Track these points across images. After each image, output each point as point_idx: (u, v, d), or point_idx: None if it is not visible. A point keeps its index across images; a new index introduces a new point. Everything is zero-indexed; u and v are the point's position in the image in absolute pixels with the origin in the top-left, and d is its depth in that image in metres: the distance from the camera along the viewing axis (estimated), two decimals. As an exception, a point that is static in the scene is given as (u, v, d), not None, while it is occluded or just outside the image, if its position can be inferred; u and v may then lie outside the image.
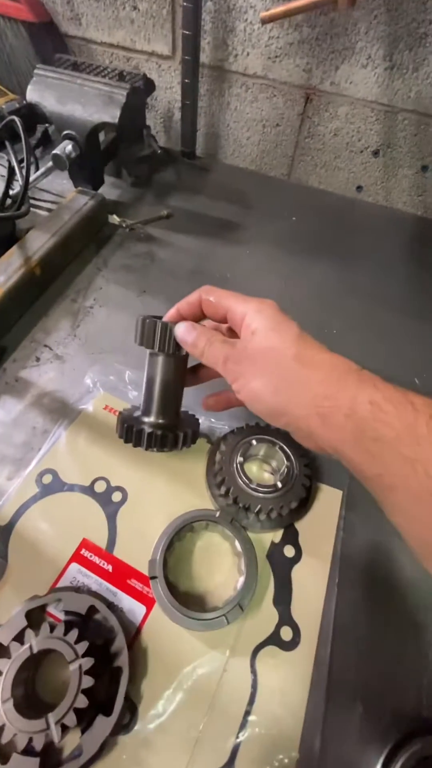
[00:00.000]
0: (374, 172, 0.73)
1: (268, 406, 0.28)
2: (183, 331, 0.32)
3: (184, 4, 0.58)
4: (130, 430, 0.34)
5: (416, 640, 0.34)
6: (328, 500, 0.39)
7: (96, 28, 0.71)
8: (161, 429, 0.34)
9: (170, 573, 0.33)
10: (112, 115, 0.53)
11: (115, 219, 0.62)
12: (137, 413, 0.37)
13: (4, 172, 0.59)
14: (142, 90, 0.60)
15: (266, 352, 0.28)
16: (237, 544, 0.35)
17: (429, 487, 0.21)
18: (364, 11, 0.57)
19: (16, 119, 0.55)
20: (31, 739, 0.25)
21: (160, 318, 0.35)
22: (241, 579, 0.33)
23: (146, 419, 0.35)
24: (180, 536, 0.35)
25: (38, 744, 0.25)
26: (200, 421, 0.44)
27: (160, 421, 0.35)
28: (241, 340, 0.30)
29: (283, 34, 0.62)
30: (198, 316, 0.34)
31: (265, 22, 0.50)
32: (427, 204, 0.73)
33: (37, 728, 0.25)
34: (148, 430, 0.34)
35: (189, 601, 0.32)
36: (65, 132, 0.55)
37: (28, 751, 0.26)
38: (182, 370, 0.36)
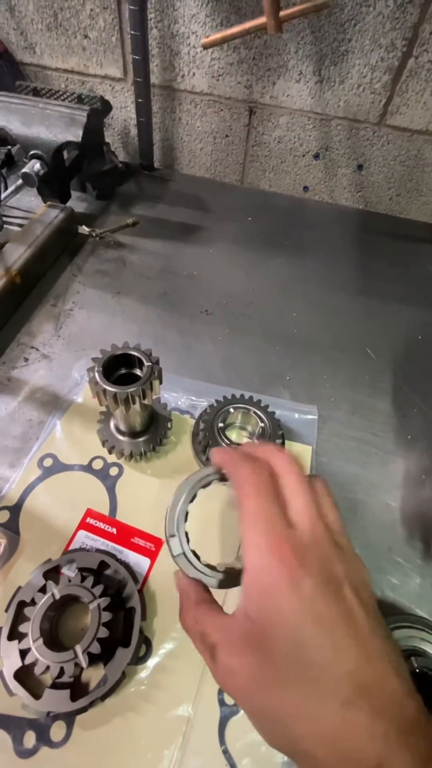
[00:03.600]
0: (317, 173, 0.81)
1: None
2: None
3: (132, 32, 0.65)
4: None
5: (383, 546, 0.40)
6: (301, 454, 0.45)
7: (50, 56, 0.76)
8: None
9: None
10: (75, 134, 0.58)
11: (84, 229, 0.67)
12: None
13: None
14: (100, 111, 0.66)
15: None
16: None
17: None
18: (292, 33, 0.65)
19: (-18, 143, 0.59)
20: (62, 670, 0.29)
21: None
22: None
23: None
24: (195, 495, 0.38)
25: (68, 674, 0.29)
26: (182, 401, 0.49)
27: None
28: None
29: (224, 55, 0.69)
30: None
31: (206, 47, 0.57)
32: (367, 198, 0.82)
33: (67, 658, 0.29)
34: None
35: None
36: (32, 152, 0.59)
37: (58, 685, 0.30)
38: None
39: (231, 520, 0.39)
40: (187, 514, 0.29)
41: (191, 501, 0.29)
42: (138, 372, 0.37)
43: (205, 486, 0.31)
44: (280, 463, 0.26)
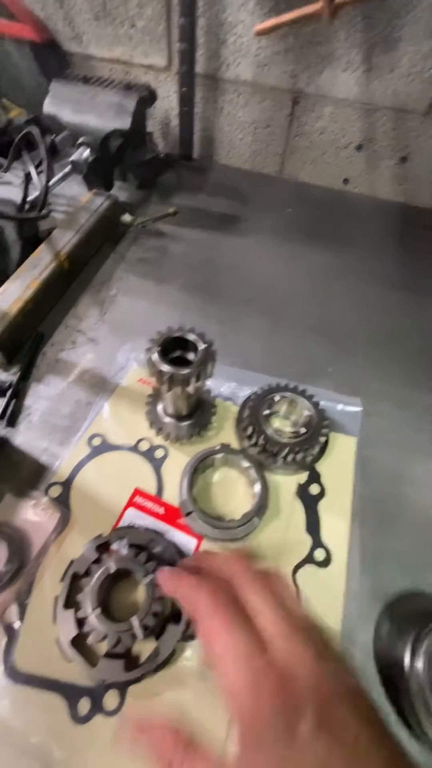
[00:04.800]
0: (358, 165, 0.80)
1: None
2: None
3: (181, 21, 0.65)
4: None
5: (428, 541, 0.39)
6: (344, 446, 0.45)
7: (96, 46, 0.77)
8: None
9: (199, 504, 0.38)
10: (123, 122, 0.59)
11: (127, 218, 0.67)
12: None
13: (15, 180, 0.64)
14: (147, 99, 0.66)
15: None
16: (252, 472, 0.40)
17: None
18: (343, 21, 0.64)
19: (35, 130, 0.60)
20: (119, 639, 0.30)
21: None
22: (257, 487, 0.39)
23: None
24: (203, 468, 0.41)
25: (125, 644, 0.30)
26: (224, 388, 0.49)
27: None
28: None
29: (271, 44, 0.69)
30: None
31: (259, 34, 0.56)
32: (408, 192, 0.80)
33: (124, 629, 0.30)
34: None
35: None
36: (81, 139, 0.60)
37: (112, 655, 0.31)
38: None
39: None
40: (192, 483, 0.39)
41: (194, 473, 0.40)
42: (191, 356, 0.38)
43: (203, 459, 0.40)
44: (235, 572, 0.26)
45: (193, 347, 0.37)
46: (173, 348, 0.38)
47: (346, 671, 0.22)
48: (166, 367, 0.34)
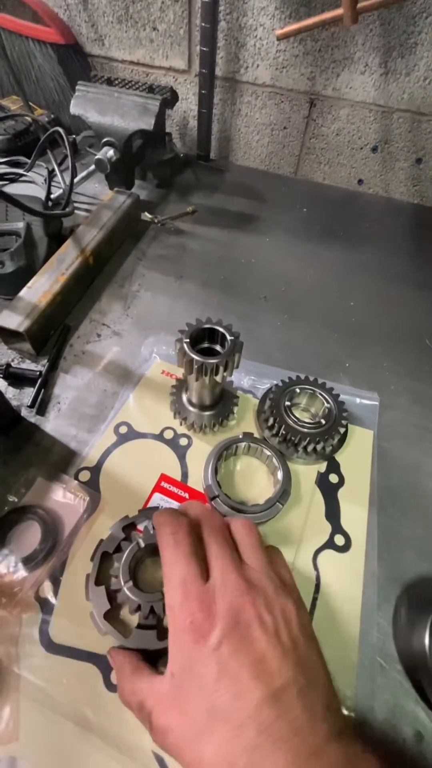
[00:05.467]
0: (374, 166, 0.81)
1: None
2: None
3: (203, 24, 0.66)
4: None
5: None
6: (362, 438, 0.46)
7: (118, 48, 0.79)
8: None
9: (224, 490, 0.40)
10: (147, 123, 0.61)
11: (147, 216, 0.69)
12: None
13: (37, 179, 0.66)
14: (169, 100, 0.68)
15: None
16: (274, 460, 0.41)
17: None
18: (361, 25, 0.65)
19: (60, 130, 0.62)
20: (152, 609, 0.31)
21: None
22: (279, 474, 0.41)
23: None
24: (227, 456, 0.42)
25: (158, 613, 0.32)
26: (244, 381, 0.51)
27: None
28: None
29: (290, 47, 0.70)
30: None
31: (280, 38, 0.58)
32: (423, 192, 0.81)
33: (156, 599, 0.32)
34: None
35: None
36: (105, 139, 0.62)
37: (144, 626, 0.32)
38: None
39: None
40: (216, 469, 0.41)
41: (219, 460, 0.41)
42: (218, 348, 0.39)
43: (227, 447, 0.42)
44: (205, 518, 0.31)
45: (221, 339, 0.39)
46: (202, 339, 0.39)
47: (284, 598, 0.27)
48: (196, 357, 0.35)
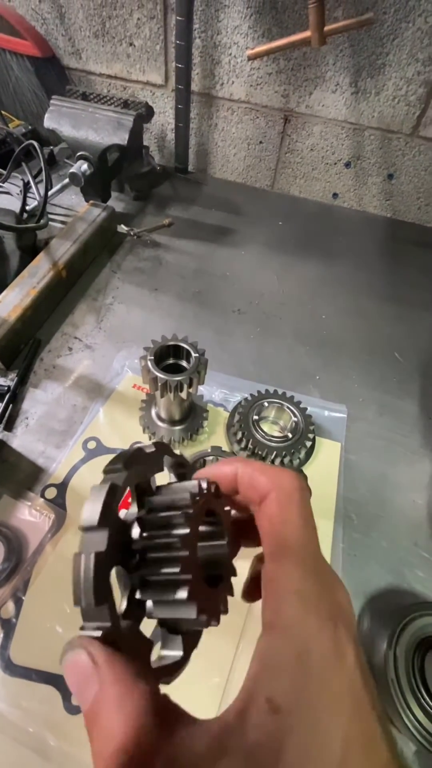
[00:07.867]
0: (347, 181, 0.83)
1: None
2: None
3: (178, 42, 0.67)
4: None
5: (409, 541, 0.41)
6: (330, 450, 0.47)
7: (95, 62, 0.80)
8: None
9: None
10: (121, 138, 0.61)
11: (123, 228, 0.70)
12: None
13: (12, 190, 0.66)
14: (144, 115, 0.69)
15: None
16: None
17: None
18: (331, 46, 0.67)
19: (35, 143, 0.62)
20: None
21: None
22: None
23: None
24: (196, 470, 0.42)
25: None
26: (216, 394, 0.51)
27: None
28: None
29: (263, 65, 0.72)
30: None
31: (251, 58, 0.59)
32: (395, 207, 0.84)
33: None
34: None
35: None
36: (79, 153, 0.63)
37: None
38: None
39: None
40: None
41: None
42: (184, 363, 0.40)
43: (196, 462, 0.41)
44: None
45: (186, 355, 0.39)
46: (167, 356, 0.40)
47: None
48: (159, 374, 0.36)
